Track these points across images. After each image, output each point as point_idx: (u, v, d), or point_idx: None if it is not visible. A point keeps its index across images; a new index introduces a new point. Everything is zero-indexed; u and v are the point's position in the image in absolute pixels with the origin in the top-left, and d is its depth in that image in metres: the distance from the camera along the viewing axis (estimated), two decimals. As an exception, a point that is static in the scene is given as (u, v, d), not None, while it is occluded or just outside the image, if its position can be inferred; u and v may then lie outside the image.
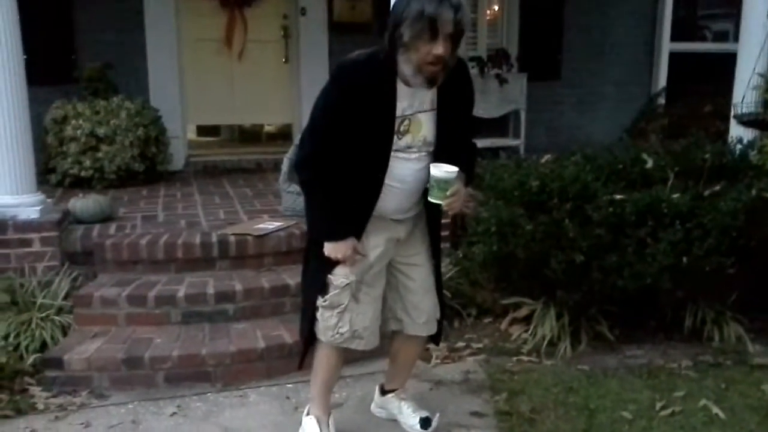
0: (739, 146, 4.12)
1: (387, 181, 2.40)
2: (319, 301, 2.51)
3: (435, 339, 2.84)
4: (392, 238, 2.53)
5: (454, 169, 2.34)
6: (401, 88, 2.33)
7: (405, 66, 2.26)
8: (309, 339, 2.62)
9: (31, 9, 4.14)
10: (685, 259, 3.29)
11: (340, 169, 2.36)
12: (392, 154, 2.37)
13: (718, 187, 3.56)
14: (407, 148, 2.39)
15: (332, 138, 2.33)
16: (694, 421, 2.89)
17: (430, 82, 2.28)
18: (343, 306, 2.49)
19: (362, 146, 2.35)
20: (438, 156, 2.41)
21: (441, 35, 2.17)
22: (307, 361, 2.69)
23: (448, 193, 2.35)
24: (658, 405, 3.00)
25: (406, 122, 2.37)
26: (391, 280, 2.62)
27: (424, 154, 2.43)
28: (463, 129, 2.53)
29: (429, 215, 2.59)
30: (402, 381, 2.93)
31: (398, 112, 2.34)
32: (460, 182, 2.40)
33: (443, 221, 4.21)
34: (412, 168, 2.42)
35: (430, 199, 2.38)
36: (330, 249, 2.43)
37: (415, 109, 2.37)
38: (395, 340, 2.80)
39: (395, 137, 2.36)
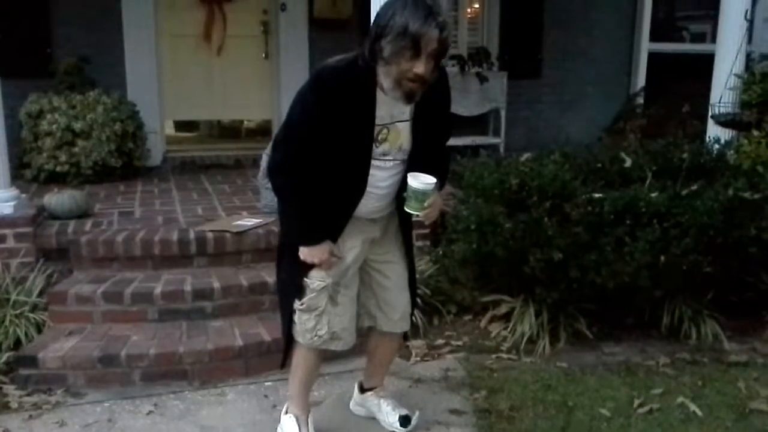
0: (716, 146, 4.16)
1: None
2: (296, 305, 2.49)
3: (404, 335, 2.84)
4: (368, 238, 2.52)
5: (432, 180, 2.32)
6: (381, 97, 2.29)
7: (384, 79, 2.22)
8: (289, 339, 2.60)
9: (6, 1, 4.06)
10: (662, 258, 3.31)
11: (316, 175, 2.33)
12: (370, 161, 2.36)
13: (695, 187, 3.59)
14: (382, 155, 2.37)
15: (307, 145, 2.29)
16: (672, 419, 2.91)
17: (408, 98, 2.25)
18: (320, 309, 2.47)
19: (340, 154, 2.32)
20: (412, 163, 2.40)
21: (423, 54, 2.13)
22: (287, 359, 2.66)
23: (425, 204, 2.34)
24: (636, 402, 3.02)
25: (385, 131, 2.34)
26: (364, 277, 2.61)
27: (398, 162, 2.42)
28: (439, 135, 2.53)
29: (401, 213, 2.55)
30: (380, 378, 2.92)
31: (377, 121, 2.31)
32: (436, 192, 2.39)
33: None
34: (387, 174, 2.41)
35: (407, 209, 2.37)
36: (306, 253, 2.40)
37: (395, 119, 2.34)
38: (371, 337, 2.80)
39: (372, 145, 2.33)
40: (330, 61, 2.33)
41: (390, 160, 2.39)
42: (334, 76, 2.28)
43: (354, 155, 2.33)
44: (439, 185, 2.44)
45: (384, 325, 2.68)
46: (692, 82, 6.01)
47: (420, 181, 2.31)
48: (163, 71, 6.35)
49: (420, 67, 2.15)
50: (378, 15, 2.21)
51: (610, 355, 3.53)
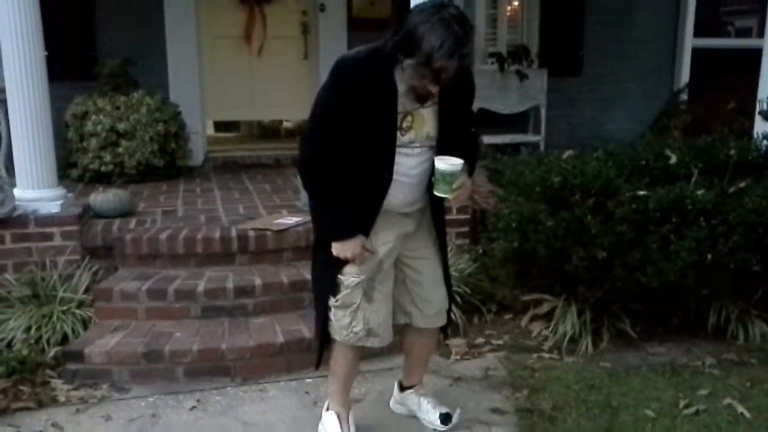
0: (765, 142, 4.06)
1: (393, 176, 2.38)
2: (331, 301, 2.50)
3: (444, 330, 2.84)
4: (401, 233, 2.51)
5: (459, 161, 2.32)
6: (402, 85, 2.29)
7: (399, 81, 2.25)
8: (324, 338, 2.60)
9: (52, 5, 4.15)
10: (709, 256, 3.24)
11: (344, 168, 2.34)
12: (396, 149, 2.35)
13: (743, 184, 3.51)
14: (410, 143, 2.37)
15: (334, 137, 2.30)
16: (719, 420, 2.85)
17: (420, 102, 2.29)
18: (355, 305, 2.48)
19: (365, 144, 2.32)
20: (440, 149, 2.39)
21: (442, 79, 2.16)
22: (324, 357, 2.67)
23: (454, 186, 2.33)
24: (682, 403, 2.96)
25: (409, 118, 2.34)
26: (397, 274, 2.60)
27: (426, 148, 2.41)
28: (465, 121, 2.51)
29: (434, 207, 2.57)
30: (419, 376, 2.91)
31: (400, 108, 2.32)
32: (465, 174, 2.37)
33: (463, 217, 4.24)
34: (416, 162, 2.41)
35: (436, 193, 2.37)
36: (338, 248, 2.41)
37: (417, 105, 2.34)
38: (408, 334, 2.78)
39: (398, 133, 2.34)
40: (350, 52, 2.36)
41: (417, 146, 2.39)
42: (355, 66, 2.30)
43: (379, 144, 2.33)
44: (469, 170, 2.43)
45: (420, 322, 2.67)
46: (738, 77, 5.90)
47: (447, 162, 2.30)
48: (204, 72, 6.43)
49: (435, 88, 2.20)
50: (407, 25, 2.16)
51: (654, 355, 3.47)
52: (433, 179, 2.37)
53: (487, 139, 5.78)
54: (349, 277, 2.45)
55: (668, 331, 3.64)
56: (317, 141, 2.34)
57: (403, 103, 2.31)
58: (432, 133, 2.40)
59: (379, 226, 2.46)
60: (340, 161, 2.32)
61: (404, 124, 2.34)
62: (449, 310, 2.74)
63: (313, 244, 2.64)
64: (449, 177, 2.32)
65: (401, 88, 2.27)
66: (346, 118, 2.27)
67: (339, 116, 2.28)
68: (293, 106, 7.02)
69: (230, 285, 3.57)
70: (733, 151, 3.84)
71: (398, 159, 2.37)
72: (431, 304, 2.65)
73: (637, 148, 4.03)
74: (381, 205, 2.42)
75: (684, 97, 7.36)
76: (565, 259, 3.39)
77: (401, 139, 2.35)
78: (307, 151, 2.39)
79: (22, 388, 3.06)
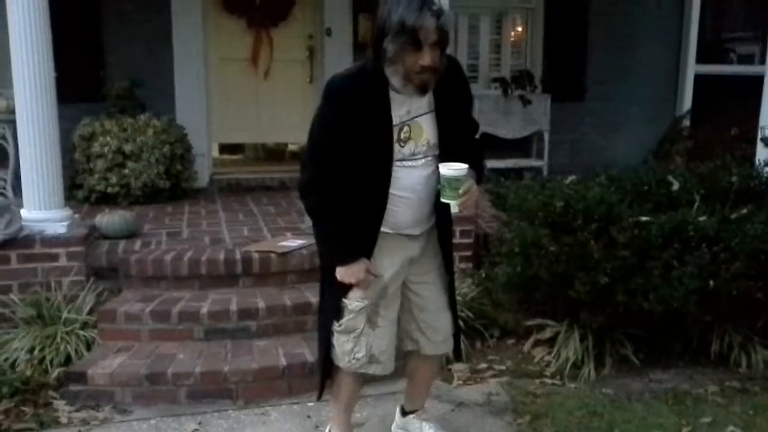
0: (766, 169, 4.08)
1: (398, 192, 2.37)
2: (335, 326, 2.48)
3: (457, 355, 2.82)
4: (406, 258, 2.50)
5: (464, 166, 2.30)
6: (394, 96, 2.31)
7: (393, 77, 2.25)
8: (326, 369, 2.59)
9: (61, 28, 4.21)
10: (711, 283, 3.24)
11: (344, 188, 2.34)
12: (398, 163, 2.34)
13: (745, 211, 3.52)
14: (412, 156, 2.37)
15: (333, 158, 2.31)
16: (722, 448, 2.84)
17: (422, 90, 2.28)
18: (358, 330, 2.46)
19: (364, 161, 2.32)
20: (444, 157, 2.37)
21: (425, 45, 2.17)
22: (326, 384, 2.66)
23: (460, 191, 2.31)
24: (685, 431, 2.95)
25: (406, 129, 2.34)
26: (403, 301, 2.58)
27: (430, 158, 2.39)
28: (465, 127, 2.51)
29: (441, 231, 2.55)
30: (422, 401, 2.90)
31: (395, 121, 2.32)
32: (471, 180, 2.36)
33: (466, 241, 4.26)
34: (421, 175, 2.39)
35: (442, 200, 2.34)
36: (342, 273, 2.40)
37: (413, 114, 2.34)
38: (411, 359, 2.76)
39: (398, 146, 2.33)
40: (340, 71, 2.39)
41: (421, 158, 2.38)
42: (346, 84, 2.33)
43: (377, 159, 2.33)
44: (476, 177, 2.42)
45: (427, 349, 2.65)
46: (740, 104, 5.92)
47: (450, 167, 2.29)
48: (211, 95, 6.48)
49: (425, 59, 2.18)
50: (377, 18, 2.25)
51: (657, 382, 3.46)
52: (438, 187, 2.35)
53: (491, 164, 5.81)
54: (353, 301, 2.44)
55: (671, 358, 3.64)
56: (317, 163, 2.36)
57: (399, 115, 2.32)
58: (432, 140, 2.39)
59: (384, 249, 2.45)
60: (340, 181, 2.33)
61: (402, 135, 2.34)
62: (457, 335, 2.72)
63: (320, 267, 2.64)
64: (455, 182, 2.30)
65: (396, 83, 2.25)
66: (342, 134, 2.28)
67: (335, 133, 2.29)
68: (299, 129, 6.99)
69: (234, 307, 3.58)
70: (734, 178, 3.86)
71: (403, 173, 2.36)
72: (438, 331, 2.63)
73: (639, 174, 4.04)
74: (381, 223, 2.40)
75: (686, 123, 7.39)
76: (567, 284, 3.39)
77: (402, 151, 2.34)
78: (307, 174, 2.40)
79: (24, 408, 3.07)
